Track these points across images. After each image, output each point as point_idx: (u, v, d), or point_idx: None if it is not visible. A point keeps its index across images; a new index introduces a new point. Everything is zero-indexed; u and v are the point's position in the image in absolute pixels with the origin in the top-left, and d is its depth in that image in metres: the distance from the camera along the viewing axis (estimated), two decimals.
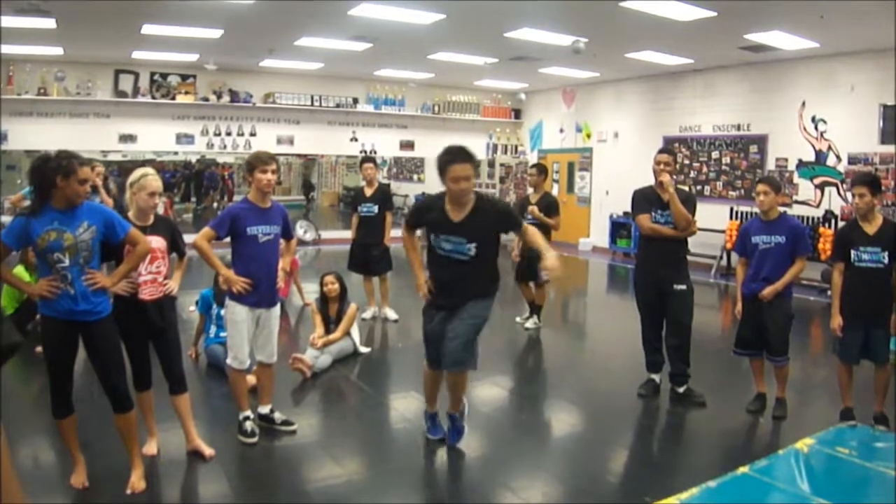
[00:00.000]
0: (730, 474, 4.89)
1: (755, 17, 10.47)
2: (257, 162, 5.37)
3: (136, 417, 4.65)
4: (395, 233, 9.50)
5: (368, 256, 9.58)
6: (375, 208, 9.54)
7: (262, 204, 5.42)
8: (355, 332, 8.06)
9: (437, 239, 5.12)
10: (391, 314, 9.88)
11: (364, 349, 8.10)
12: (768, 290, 6.05)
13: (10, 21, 10.53)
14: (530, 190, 9.67)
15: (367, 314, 9.80)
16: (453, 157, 4.94)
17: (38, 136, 14.41)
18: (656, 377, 6.90)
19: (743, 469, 4.97)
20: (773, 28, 11.14)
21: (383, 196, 9.74)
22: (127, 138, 16.11)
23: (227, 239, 5.38)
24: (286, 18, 11.28)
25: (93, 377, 4.63)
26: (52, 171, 4.13)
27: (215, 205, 26.39)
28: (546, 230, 9.17)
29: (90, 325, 4.33)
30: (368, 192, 9.63)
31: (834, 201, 13.03)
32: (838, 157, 12.97)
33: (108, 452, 4.91)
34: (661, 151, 6.75)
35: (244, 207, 5.42)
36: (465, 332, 5.07)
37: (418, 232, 5.51)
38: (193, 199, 27.99)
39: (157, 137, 16.58)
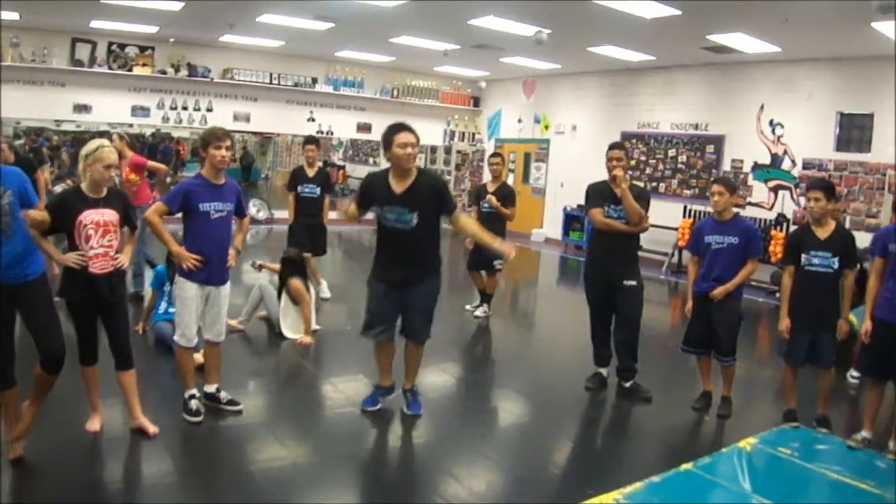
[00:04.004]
0: (673, 470, 4.94)
1: (719, 18, 10.54)
2: (211, 138, 5.30)
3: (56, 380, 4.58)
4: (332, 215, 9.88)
5: (312, 237, 9.39)
6: (318, 190, 9.38)
7: (215, 180, 5.35)
8: (291, 313, 7.99)
9: (382, 211, 5.44)
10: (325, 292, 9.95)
11: (299, 337, 7.90)
12: (719, 290, 6.09)
13: None
14: (487, 178, 9.62)
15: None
16: (398, 127, 5.41)
17: None
18: (604, 371, 6.94)
19: (686, 466, 5.03)
20: (737, 30, 11.22)
21: (325, 178, 9.63)
22: (82, 108, 15.80)
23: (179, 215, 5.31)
24: None
25: (31, 350, 4.53)
26: None
27: (168, 179, 26.07)
28: (502, 220, 9.18)
29: (20, 287, 4.27)
30: (311, 172, 9.46)
31: (787, 205, 13.22)
32: (793, 162, 13.15)
33: (50, 426, 4.83)
34: (612, 147, 6.70)
35: (197, 183, 5.35)
36: (427, 308, 5.66)
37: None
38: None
39: (112, 109, 16.25)
